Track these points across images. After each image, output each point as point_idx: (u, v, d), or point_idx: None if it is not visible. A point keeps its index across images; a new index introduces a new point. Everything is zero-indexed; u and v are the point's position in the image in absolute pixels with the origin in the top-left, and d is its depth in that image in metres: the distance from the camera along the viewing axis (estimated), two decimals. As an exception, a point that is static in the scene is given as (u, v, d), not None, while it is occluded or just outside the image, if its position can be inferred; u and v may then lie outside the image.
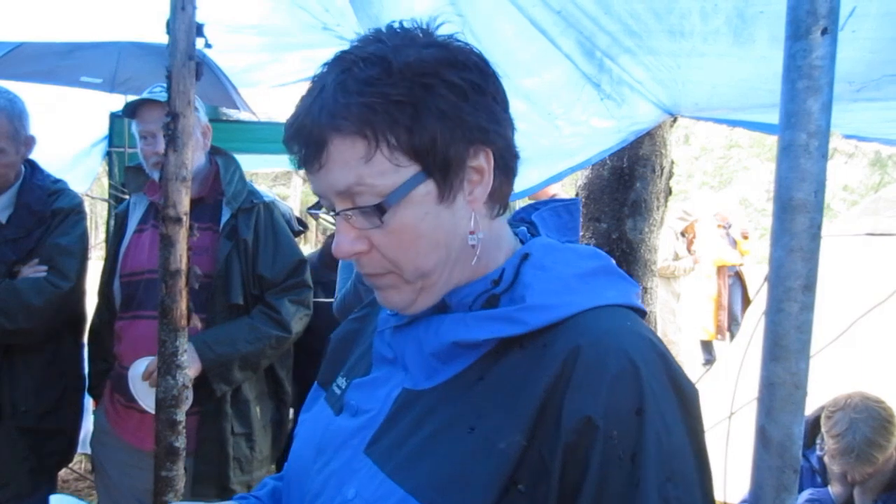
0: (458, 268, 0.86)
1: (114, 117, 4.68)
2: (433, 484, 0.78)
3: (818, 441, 2.44)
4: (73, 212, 2.44)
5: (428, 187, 0.81)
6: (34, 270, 2.31)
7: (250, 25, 3.52)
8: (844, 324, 2.90)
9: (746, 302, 7.70)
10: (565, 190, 4.95)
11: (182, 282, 1.94)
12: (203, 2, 1.88)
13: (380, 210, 0.79)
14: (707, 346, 7.86)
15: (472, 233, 0.85)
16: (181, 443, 1.97)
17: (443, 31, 0.86)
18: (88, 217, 2.72)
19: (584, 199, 3.36)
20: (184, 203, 1.92)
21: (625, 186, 3.32)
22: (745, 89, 2.20)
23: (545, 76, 2.45)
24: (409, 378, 0.89)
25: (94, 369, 2.54)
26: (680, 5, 1.85)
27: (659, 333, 3.42)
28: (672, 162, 3.47)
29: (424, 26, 0.85)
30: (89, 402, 2.83)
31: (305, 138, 0.81)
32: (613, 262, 0.91)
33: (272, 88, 4.64)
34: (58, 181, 2.52)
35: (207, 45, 1.94)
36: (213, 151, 2.48)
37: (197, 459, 2.30)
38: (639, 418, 0.74)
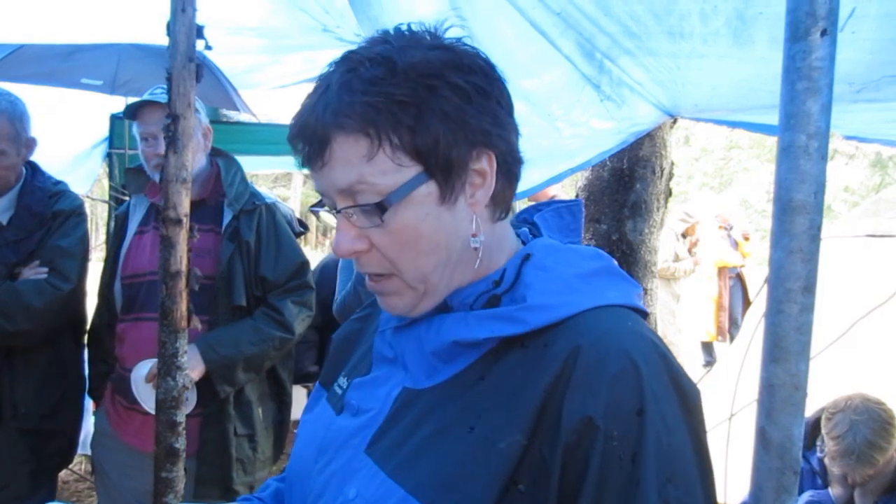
0: (460, 270, 0.86)
1: (114, 119, 4.69)
2: (434, 484, 0.78)
3: (818, 443, 2.43)
4: (74, 214, 2.44)
5: (429, 188, 0.81)
6: (35, 272, 2.31)
7: (250, 27, 3.53)
8: (845, 325, 2.90)
9: (747, 304, 7.70)
10: (565, 191, 4.95)
11: (182, 283, 1.94)
12: (203, 3, 1.88)
13: (380, 208, 0.80)
14: (708, 348, 7.86)
15: (474, 235, 0.85)
16: (181, 444, 1.97)
17: (451, 35, 0.86)
18: (89, 219, 2.72)
19: (584, 201, 3.36)
20: (184, 204, 1.92)
21: (625, 188, 3.33)
22: (745, 90, 2.20)
23: (545, 77, 2.46)
24: (409, 377, 0.89)
25: (94, 371, 2.54)
26: (679, 7, 1.86)
27: (658, 335, 3.43)
28: (672, 163, 3.47)
29: (432, 30, 0.85)
30: (89, 404, 2.83)
31: (309, 136, 0.81)
32: (615, 262, 0.91)
33: (272, 90, 4.65)
34: (58, 183, 2.52)
35: (208, 47, 1.95)
36: (214, 153, 2.49)
37: (200, 461, 2.30)
38: (639, 418, 0.74)
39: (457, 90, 0.80)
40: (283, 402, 2.56)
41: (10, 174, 2.34)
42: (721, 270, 7.84)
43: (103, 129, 4.94)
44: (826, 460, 2.34)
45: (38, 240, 2.35)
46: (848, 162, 13.99)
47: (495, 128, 0.83)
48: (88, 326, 2.58)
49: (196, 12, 1.86)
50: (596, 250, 0.92)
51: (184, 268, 1.94)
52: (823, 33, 0.90)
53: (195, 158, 2.15)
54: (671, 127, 3.35)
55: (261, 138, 4.98)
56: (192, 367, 2.17)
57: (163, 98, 2.05)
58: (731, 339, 7.34)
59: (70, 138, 4.96)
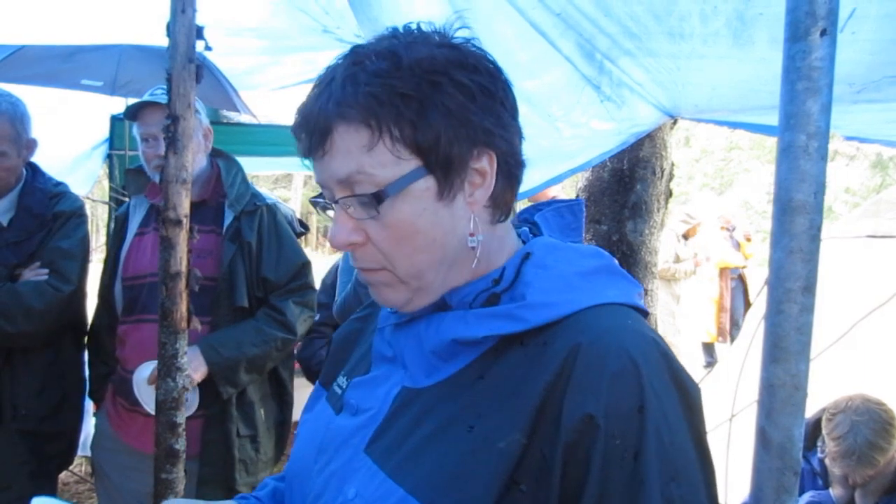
0: (456, 269, 0.86)
1: (114, 120, 4.70)
2: (433, 483, 0.78)
3: (819, 443, 2.43)
4: (75, 215, 2.44)
5: (428, 183, 0.81)
6: (35, 274, 2.30)
7: (250, 28, 3.53)
8: (845, 326, 2.90)
9: (748, 305, 7.70)
10: (565, 192, 4.95)
11: (182, 284, 1.94)
12: (203, 4, 1.88)
13: (377, 199, 0.80)
14: (709, 349, 7.86)
15: (471, 235, 0.85)
16: (181, 445, 1.97)
17: (459, 36, 0.86)
18: (89, 220, 2.71)
19: (584, 201, 3.36)
20: (184, 205, 1.92)
21: (625, 188, 3.33)
22: (745, 91, 2.20)
23: (545, 78, 2.46)
24: (408, 376, 0.89)
25: (94, 373, 2.54)
26: (679, 7, 1.86)
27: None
28: (672, 164, 3.47)
29: (441, 30, 0.86)
30: (89, 405, 2.83)
31: (312, 126, 0.82)
32: (616, 261, 0.91)
33: (272, 91, 4.66)
34: (59, 184, 2.51)
35: (207, 48, 1.95)
36: (215, 154, 2.48)
37: (202, 462, 2.30)
38: (640, 416, 0.74)
39: (461, 88, 0.80)
40: (285, 403, 2.56)
41: (10, 175, 2.34)
42: (723, 271, 7.85)
43: (103, 131, 4.95)
44: (827, 461, 2.34)
45: (38, 241, 2.35)
46: (848, 163, 13.98)
47: (497, 128, 0.83)
48: (89, 328, 2.58)
49: (196, 13, 1.86)
50: (596, 249, 0.92)
51: (184, 269, 1.94)
52: (823, 33, 0.90)
53: (195, 159, 2.15)
54: (671, 128, 3.35)
55: (261, 139, 4.98)
56: (195, 368, 2.17)
57: (163, 99, 2.04)
58: (732, 340, 7.34)
59: (70, 139, 4.97)
